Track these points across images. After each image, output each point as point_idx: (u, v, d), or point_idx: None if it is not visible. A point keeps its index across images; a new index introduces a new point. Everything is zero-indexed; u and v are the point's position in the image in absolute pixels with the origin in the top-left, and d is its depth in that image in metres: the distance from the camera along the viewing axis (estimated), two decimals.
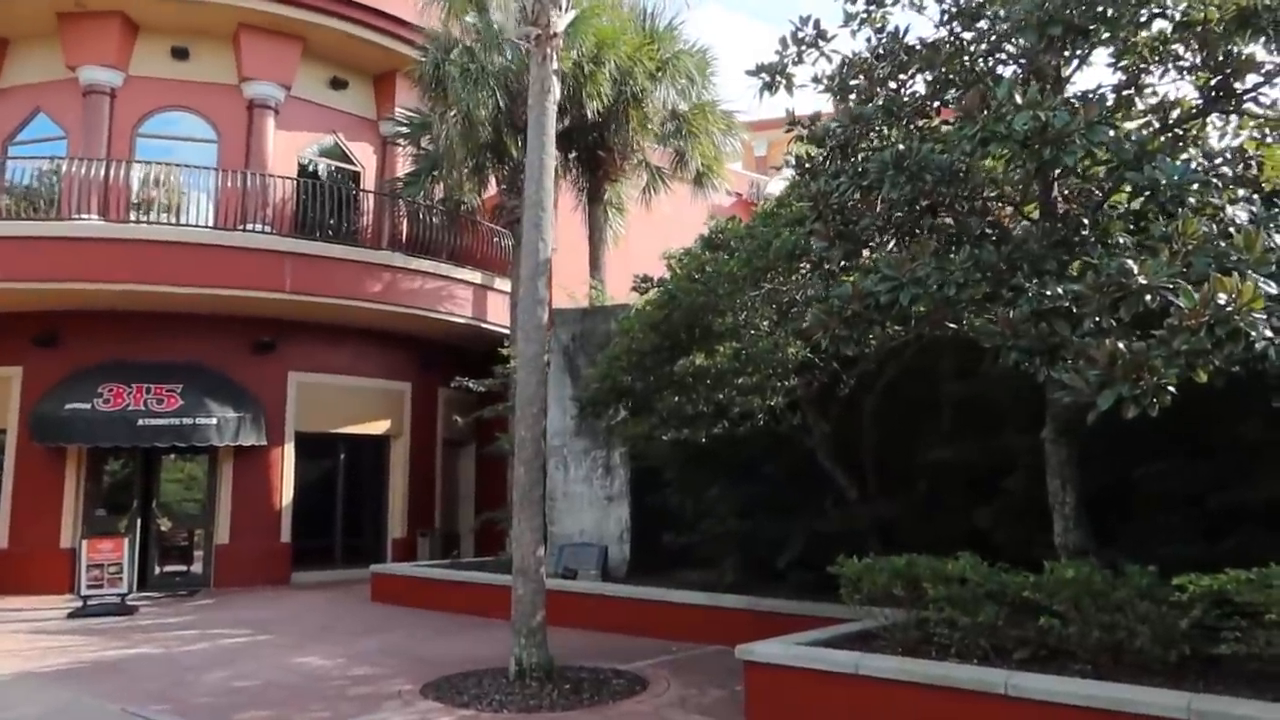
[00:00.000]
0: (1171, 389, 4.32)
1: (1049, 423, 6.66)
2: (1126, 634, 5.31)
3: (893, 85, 6.76)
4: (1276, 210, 5.48)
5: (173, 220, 14.47)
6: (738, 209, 19.39)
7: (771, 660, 6.23)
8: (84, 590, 12.10)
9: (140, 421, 13.68)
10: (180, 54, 15.73)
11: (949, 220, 6.44)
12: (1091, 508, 6.70)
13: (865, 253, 6.78)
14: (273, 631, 10.58)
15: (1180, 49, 6.21)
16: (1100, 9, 5.62)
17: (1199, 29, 5.88)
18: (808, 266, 7.31)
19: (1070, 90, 6.40)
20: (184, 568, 14.88)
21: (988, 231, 6.16)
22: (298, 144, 16.60)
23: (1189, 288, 4.31)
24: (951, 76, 6.47)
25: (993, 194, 6.60)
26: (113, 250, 13.26)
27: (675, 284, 8.31)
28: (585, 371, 11.58)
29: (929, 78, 6.68)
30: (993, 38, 6.48)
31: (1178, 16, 5.94)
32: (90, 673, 8.41)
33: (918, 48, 6.65)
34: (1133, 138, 5.56)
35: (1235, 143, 6.41)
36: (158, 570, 14.64)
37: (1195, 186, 5.27)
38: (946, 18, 6.49)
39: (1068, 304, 5.06)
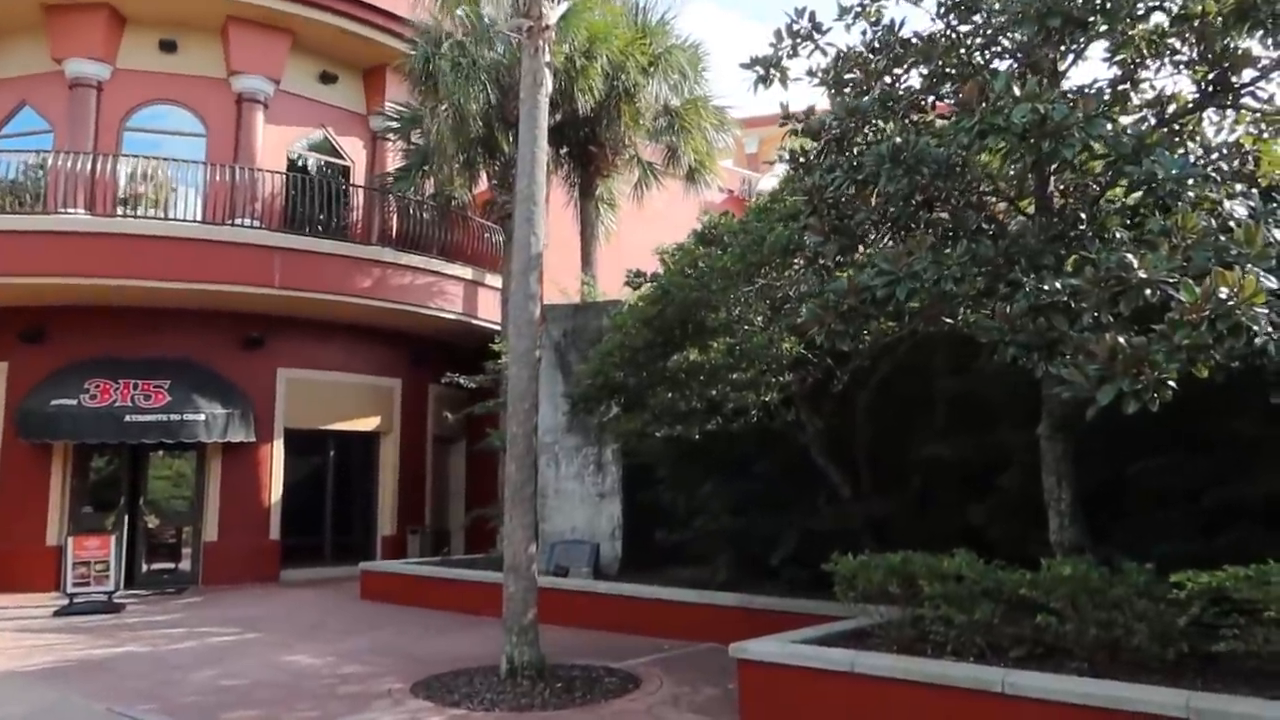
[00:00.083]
0: (1172, 384, 4.27)
1: (1044, 419, 6.62)
2: (1124, 631, 5.27)
3: (888, 80, 6.71)
4: (1275, 205, 5.44)
5: (160, 215, 14.32)
6: (729, 206, 19.32)
7: (765, 658, 6.18)
8: (70, 588, 11.98)
9: (127, 418, 13.54)
10: (168, 47, 15.57)
11: (945, 215, 6.40)
12: (1087, 504, 6.67)
13: (860, 248, 6.72)
14: (261, 629, 10.48)
15: (1177, 43, 6.18)
16: (1099, 0, 5.56)
17: (1196, 22, 5.84)
18: (802, 262, 7.24)
19: (1066, 85, 6.36)
20: (172, 565, 14.73)
21: (984, 226, 6.11)
22: (287, 138, 16.46)
23: (1190, 282, 4.26)
24: (948, 70, 6.41)
25: (988, 189, 6.57)
26: (99, 245, 13.11)
27: (669, 279, 8.24)
28: (577, 368, 11.51)
29: (924, 71, 6.62)
30: (988, 31, 6.43)
31: (1175, 9, 5.89)
32: (76, 671, 8.30)
33: (913, 41, 6.60)
34: (1130, 132, 5.53)
35: (1232, 138, 6.38)
36: (145, 568, 14.50)
37: (1193, 181, 5.23)
38: (943, 10, 6.43)
39: (1066, 299, 5.02)
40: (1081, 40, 6.15)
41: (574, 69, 13.46)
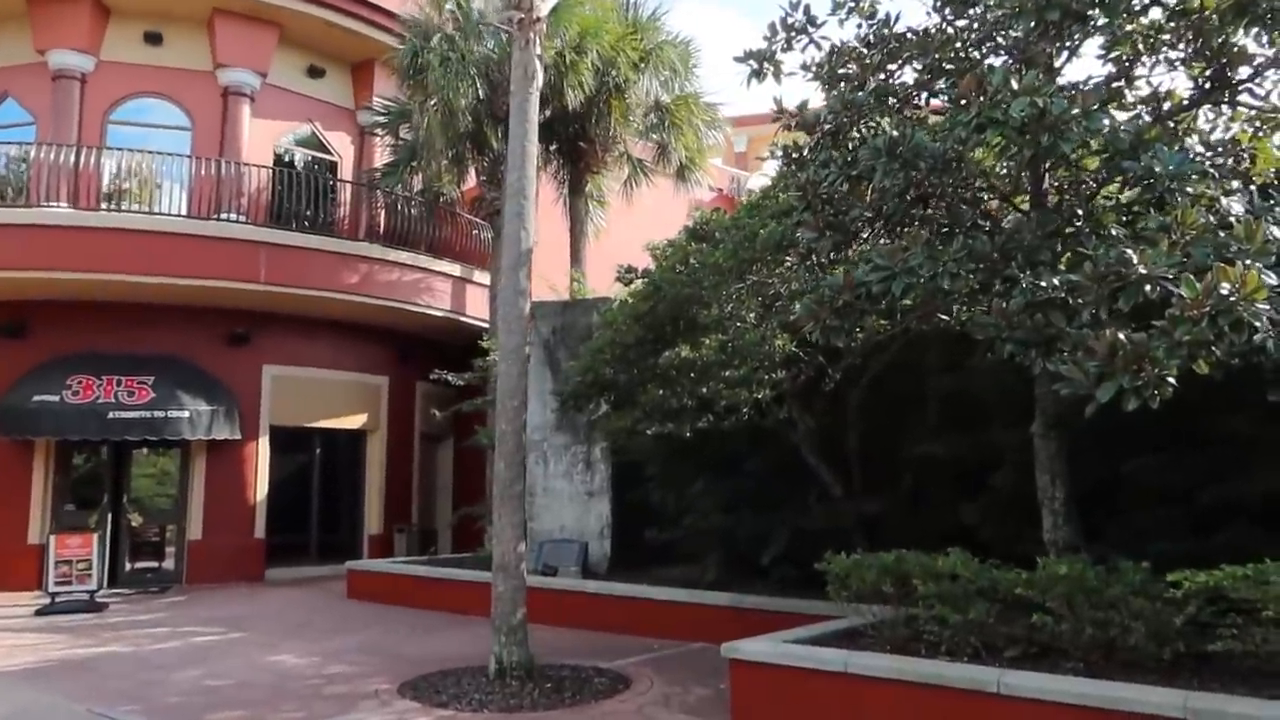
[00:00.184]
0: (1172, 380, 4.22)
1: (1038, 417, 6.58)
2: (1120, 631, 5.22)
3: (881, 76, 6.65)
4: (1274, 201, 5.40)
5: (145, 209, 14.14)
6: (718, 204, 19.26)
7: (758, 658, 6.12)
8: (52, 587, 11.81)
9: (111, 414, 13.36)
10: (153, 39, 15.38)
11: (940, 211, 6.34)
12: (1080, 503, 6.64)
13: (854, 244, 6.66)
14: (246, 629, 10.35)
15: (1173, 39, 6.14)
16: None
17: (1194, 17, 5.80)
18: (795, 258, 7.18)
19: (1060, 81, 6.31)
20: (155, 564, 14.54)
21: (980, 223, 6.06)
22: (274, 133, 16.30)
23: (1191, 277, 4.21)
24: (945, 65, 6.36)
25: (982, 185, 6.52)
26: (83, 239, 12.93)
27: (660, 275, 8.16)
28: (566, 365, 11.42)
29: (918, 66, 6.56)
30: (984, 26, 6.37)
31: (1172, 3, 5.85)
32: (57, 671, 8.16)
33: (908, 36, 6.55)
34: (1127, 127, 5.48)
35: (1227, 136, 6.36)
36: (128, 566, 14.31)
37: (1193, 176, 5.19)
38: (939, 3, 6.37)
39: (1063, 295, 4.97)
40: (1078, 36, 6.11)
41: (564, 64, 13.37)
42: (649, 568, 10.87)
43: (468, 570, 11.66)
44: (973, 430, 7.94)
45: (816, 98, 7.06)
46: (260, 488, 15.06)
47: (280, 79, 16.27)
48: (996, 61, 6.48)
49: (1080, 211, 5.79)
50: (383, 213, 16.42)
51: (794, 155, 7.04)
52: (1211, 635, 5.10)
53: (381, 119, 16.10)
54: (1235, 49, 5.93)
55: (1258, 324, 4.11)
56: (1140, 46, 6.27)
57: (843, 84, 6.65)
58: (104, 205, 13.93)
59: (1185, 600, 5.08)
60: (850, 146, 6.34)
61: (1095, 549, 6.32)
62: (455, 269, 16.31)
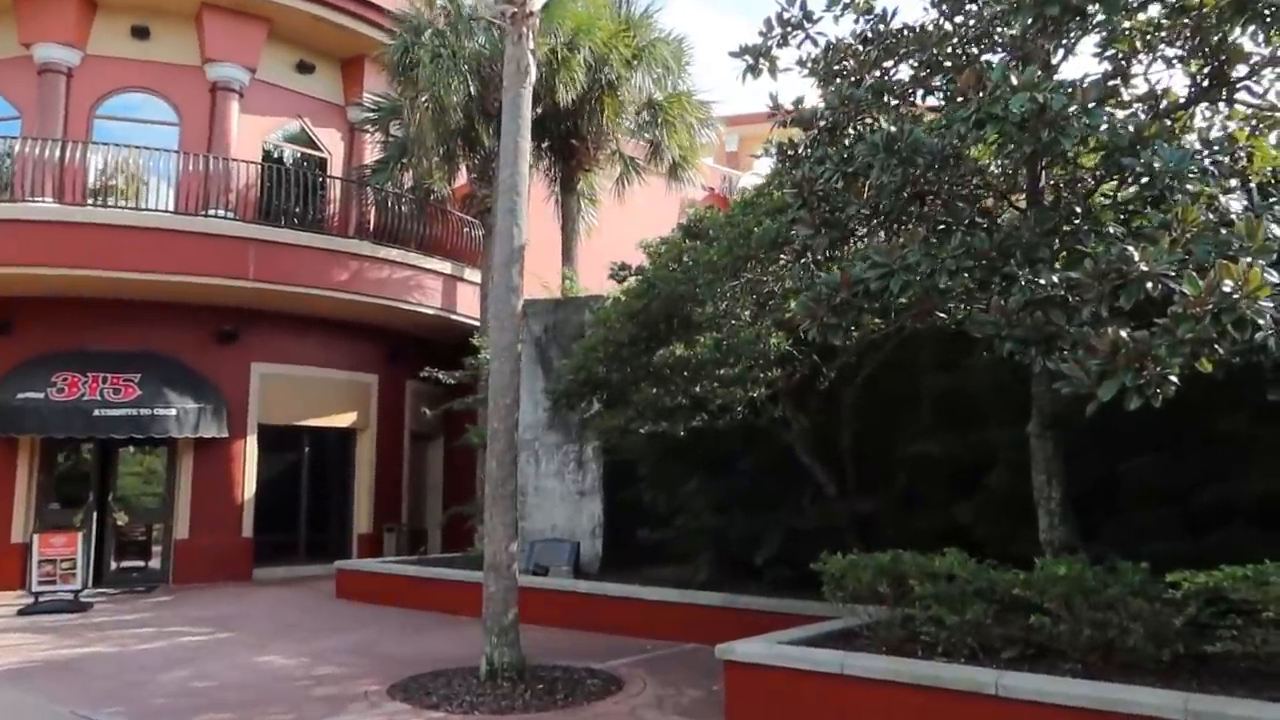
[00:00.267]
0: (1174, 379, 4.18)
1: (1034, 416, 6.54)
2: (1119, 632, 5.18)
3: (876, 73, 6.59)
4: (1274, 199, 5.36)
5: (132, 204, 13.99)
6: (709, 203, 19.21)
7: (752, 660, 6.05)
8: (35, 586, 11.67)
9: (96, 412, 13.22)
10: (140, 33, 15.21)
11: (936, 208, 6.28)
12: (1076, 503, 6.59)
13: (850, 242, 6.60)
14: (233, 629, 10.23)
15: (1170, 37, 6.11)
16: None
17: (1193, 14, 5.77)
18: (790, 255, 7.11)
19: (1057, 79, 6.27)
20: (141, 563, 14.40)
21: (977, 220, 6.01)
22: (262, 129, 16.15)
23: (1194, 275, 4.16)
24: (942, 61, 6.30)
25: (979, 183, 6.47)
26: (68, 234, 12.78)
27: (654, 272, 8.09)
28: (558, 363, 11.35)
29: (915, 63, 6.51)
30: (981, 23, 6.33)
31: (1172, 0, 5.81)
32: (40, 672, 8.03)
33: (905, 32, 6.49)
34: (1126, 124, 5.44)
35: (1223, 134, 6.32)
36: (114, 566, 14.16)
37: (1193, 173, 5.15)
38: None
39: (1063, 293, 4.92)
40: (1076, 32, 6.07)
41: (556, 61, 13.28)
42: (641, 567, 10.81)
43: (458, 570, 11.56)
44: (968, 429, 7.90)
45: (811, 96, 7.00)
46: (248, 486, 14.93)
47: (269, 74, 16.13)
48: (994, 59, 6.45)
49: (1078, 209, 5.74)
50: (373, 210, 16.30)
51: (789, 152, 6.99)
52: (1210, 636, 5.06)
53: (372, 115, 15.99)
54: (1233, 47, 5.91)
55: (1260, 322, 4.07)
56: (1138, 44, 6.24)
57: (839, 80, 6.60)
58: (90, 201, 13.78)
59: (1185, 601, 5.03)
60: (847, 143, 6.27)
61: (1091, 549, 6.28)
62: (446, 267, 16.21)
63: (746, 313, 7.64)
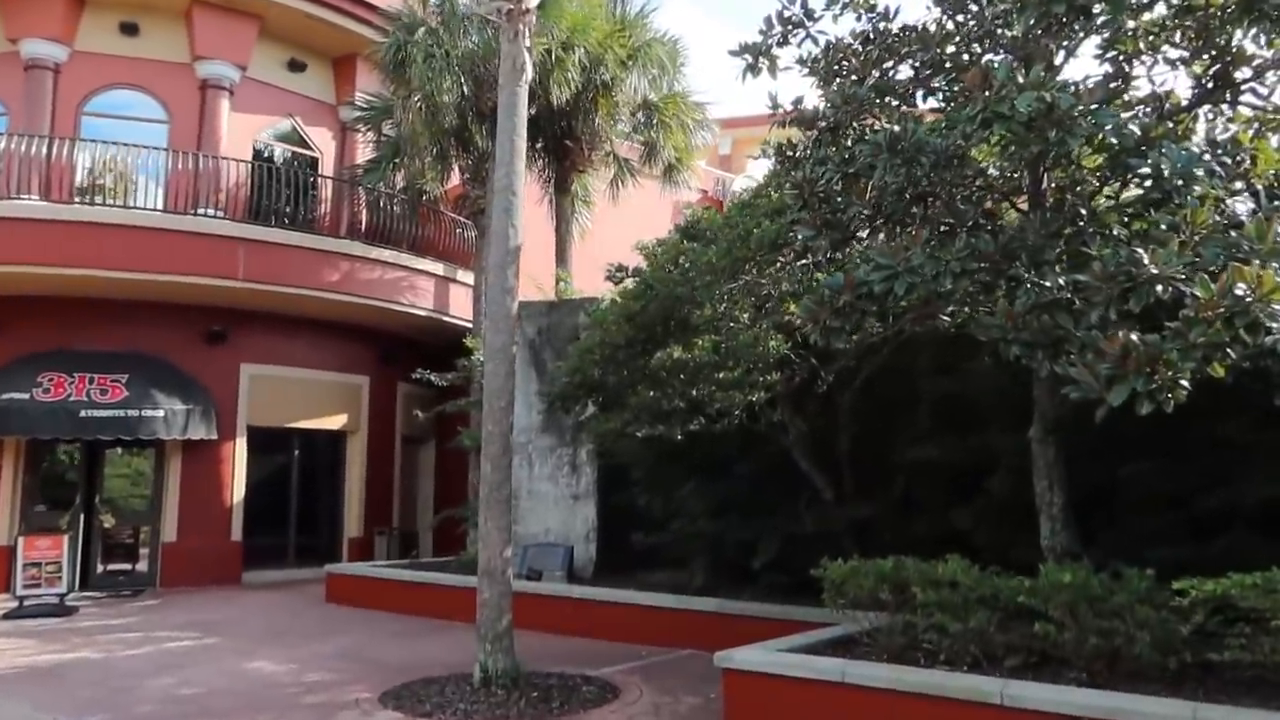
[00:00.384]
0: (1185, 383, 4.10)
1: (1036, 421, 6.46)
2: (1124, 640, 5.09)
3: (876, 73, 6.52)
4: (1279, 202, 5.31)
5: (120, 203, 13.81)
6: (704, 205, 19.12)
7: (751, 667, 5.96)
8: (20, 590, 11.47)
9: (83, 413, 13.04)
10: (129, 29, 15.05)
11: (937, 209, 6.21)
12: (1075, 509, 6.52)
13: (852, 243, 6.52)
14: (221, 634, 10.08)
15: (1176, 36, 6.05)
16: None
17: (1199, 14, 5.71)
18: (790, 256, 7.03)
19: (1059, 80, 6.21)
20: (128, 566, 14.20)
21: (982, 221, 5.93)
22: (253, 127, 16.00)
23: (1205, 277, 4.09)
24: (944, 60, 6.23)
25: (981, 184, 6.40)
26: (55, 232, 12.61)
27: (652, 274, 7.99)
28: (552, 366, 11.24)
29: (917, 63, 6.44)
30: (979, 23, 6.26)
31: (1177, 0, 5.75)
32: (23, 678, 7.88)
33: (907, 31, 6.42)
34: (1133, 125, 5.38)
35: (1225, 136, 6.28)
36: (100, 569, 13.96)
37: (1199, 174, 5.08)
38: None
39: (1069, 295, 4.85)
40: (1080, 32, 6.01)
41: (550, 61, 13.17)
42: (635, 572, 10.71)
43: (451, 574, 11.45)
44: (967, 434, 7.82)
45: (810, 96, 6.93)
46: (237, 489, 14.77)
47: (260, 72, 15.99)
48: (996, 59, 6.38)
49: (1083, 211, 5.67)
50: (365, 210, 16.17)
51: (788, 153, 6.91)
52: (1217, 644, 4.99)
53: (364, 114, 15.85)
54: (1237, 49, 5.86)
55: (1273, 325, 4.01)
56: (1141, 45, 6.19)
57: (840, 79, 6.52)
58: (77, 199, 13.61)
59: (1192, 609, 4.96)
60: (848, 143, 6.19)
61: (1092, 555, 6.21)
62: (438, 268, 16.08)
63: (745, 315, 7.55)
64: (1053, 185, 6.25)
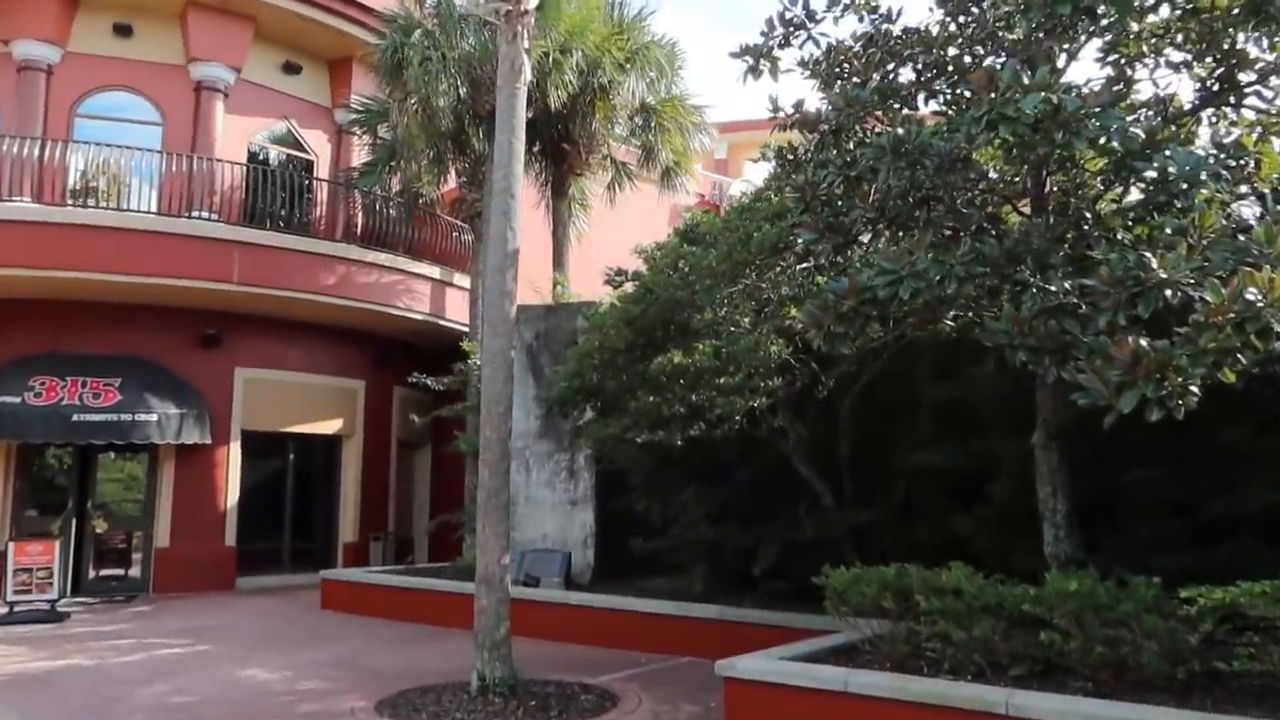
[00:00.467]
0: (1195, 390, 4.04)
1: (1039, 427, 6.41)
2: (1131, 649, 5.03)
3: (878, 75, 6.47)
4: None
5: (113, 205, 13.71)
6: (701, 209, 19.06)
7: (753, 676, 5.88)
8: (10, 596, 11.34)
9: (75, 417, 12.93)
10: (123, 31, 14.95)
11: (939, 212, 6.15)
12: (1078, 515, 6.46)
13: (854, 247, 6.46)
14: (215, 641, 9.98)
15: (1180, 39, 6.01)
16: None
17: (1205, 16, 5.66)
18: (791, 260, 6.97)
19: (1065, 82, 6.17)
20: (121, 572, 14.08)
21: (986, 225, 5.88)
22: (248, 130, 15.91)
23: (1216, 282, 4.04)
24: (946, 63, 6.18)
25: (984, 188, 6.35)
26: (47, 235, 12.50)
27: (651, 278, 7.91)
28: (549, 370, 11.17)
29: (919, 66, 6.38)
30: (979, 27, 6.21)
31: (1183, 0, 5.71)
32: (11, 687, 7.76)
33: (909, 34, 6.37)
34: (1138, 128, 5.32)
35: (1229, 139, 6.24)
36: (93, 574, 13.84)
37: (1205, 177, 5.03)
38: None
39: (1076, 300, 4.79)
40: (1085, 34, 5.96)
41: (548, 64, 13.10)
42: (633, 578, 10.63)
43: (447, 580, 11.35)
44: (968, 439, 7.76)
45: (811, 99, 6.87)
46: (231, 494, 14.65)
47: (255, 75, 15.90)
48: (999, 61, 6.33)
49: (1088, 215, 5.62)
50: (360, 213, 16.07)
51: (788, 156, 6.85)
52: (1224, 653, 4.93)
53: (360, 117, 15.74)
54: (1241, 52, 5.82)
55: None
56: (1144, 48, 6.15)
57: (841, 82, 6.46)
58: (70, 201, 13.48)
59: (1199, 618, 4.90)
60: (851, 146, 6.13)
61: (1096, 562, 6.15)
62: (435, 271, 16.00)
63: (746, 319, 7.48)
64: (1055, 189, 6.22)
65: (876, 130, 6.26)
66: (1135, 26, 5.96)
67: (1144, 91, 6.23)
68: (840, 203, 6.14)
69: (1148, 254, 4.39)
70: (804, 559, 8.23)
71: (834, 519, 8.56)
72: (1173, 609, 5.03)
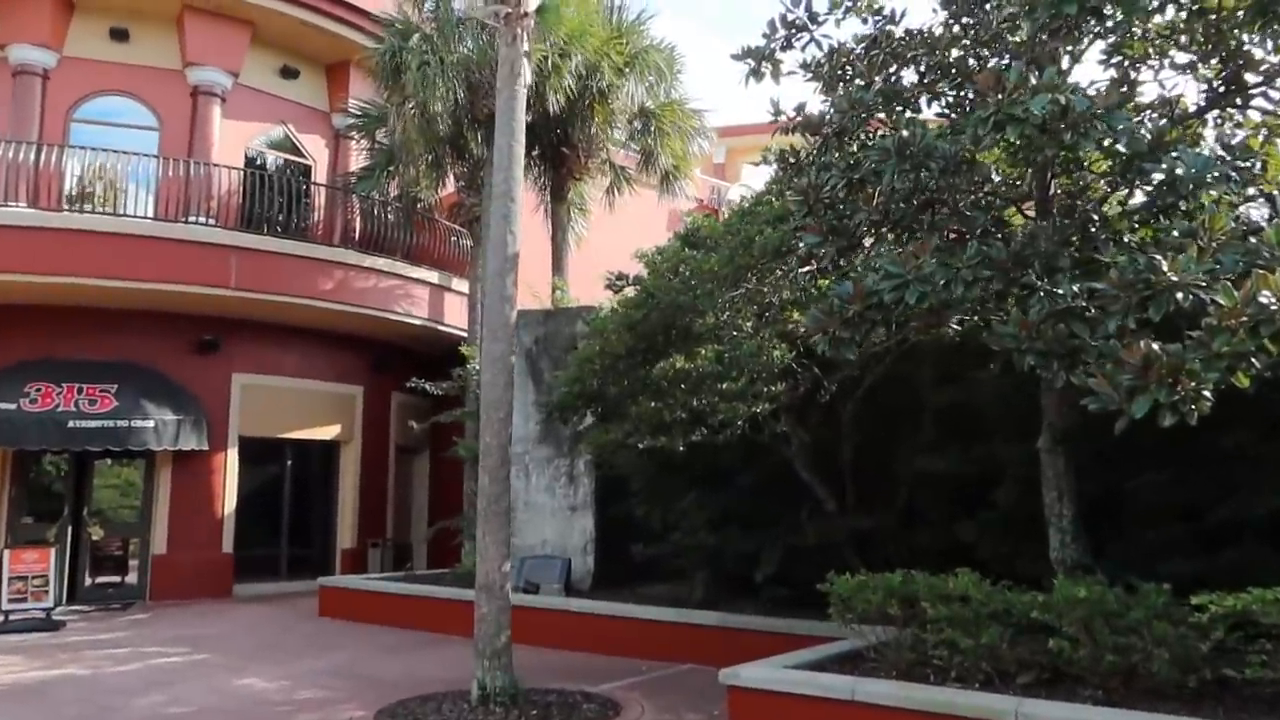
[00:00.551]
0: (1208, 394, 3.98)
1: (1045, 431, 6.35)
2: (1142, 657, 4.96)
3: (878, 79, 6.41)
4: None
5: (110, 210, 13.62)
6: (699, 213, 19.00)
7: (757, 685, 5.82)
8: (5, 604, 11.23)
9: (71, 423, 12.83)
10: (120, 35, 14.89)
11: (943, 215, 6.10)
12: (1083, 521, 6.40)
13: (858, 251, 6.40)
14: (212, 650, 9.88)
15: (1187, 40, 5.96)
16: None
17: (1212, 16, 5.61)
18: (794, 263, 6.90)
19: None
20: (118, 579, 13.98)
21: (991, 229, 5.82)
22: (245, 134, 15.84)
23: (1229, 285, 3.98)
24: (950, 65, 6.13)
25: (989, 190, 6.30)
26: (43, 240, 12.42)
27: (652, 282, 7.85)
28: (549, 376, 11.10)
29: (922, 68, 6.33)
30: (983, 28, 6.16)
31: (1189, 3, 5.66)
32: (5, 697, 7.66)
33: (913, 35, 6.32)
34: (1146, 129, 5.28)
35: (1234, 142, 6.19)
36: (89, 581, 13.73)
37: (1213, 178, 4.98)
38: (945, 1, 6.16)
39: (1084, 303, 4.73)
40: (1089, 36, 5.92)
41: (547, 68, 13.05)
42: (633, 584, 10.56)
43: (446, 587, 11.27)
44: (971, 444, 7.71)
45: (813, 101, 6.82)
46: (228, 500, 14.55)
47: (252, 79, 15.83)
48: (1003, 63, 6.28)
49: (1095, 217, 5.57)
50: (358, 218, 15.99)
51: (790, 159, 6.79)
52: (1235, 661, 4.87)
53: (357, 122, 15.69)
54: (1247, 53, 5.77)
55: None
56: (1149, 50, 6.10)
57: (844, 84, 6.41)
58: (66, 206, 13.39)
59: (1211, 625, 4.83)
60: (855, 148, 6.08)
61: (1102, 568, 6.09)
62: (433, 276, 15.93)
63: (748, 324, 7.42)
64: (1059, 192, 6.16)
65: (880, 133, 6.22)
66: (1139, 30, 5.92)
67: (1148, 94, 6.19)
68: (843, 206, 6.08)
69: (1157, 257, 4.33)
70: (806, 565, 8.16)
71: (836, 525, 8.49)
72: (1183, 616, 4.97)
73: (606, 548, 11.10)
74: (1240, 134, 6.19)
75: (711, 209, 21.30)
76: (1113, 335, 4.39)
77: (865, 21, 6.33)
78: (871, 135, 6.29)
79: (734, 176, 27.36)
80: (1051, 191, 6.12)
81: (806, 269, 6.81)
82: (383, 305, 15.02)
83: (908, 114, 6.32)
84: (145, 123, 14.97)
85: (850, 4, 6.52)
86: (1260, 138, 6.08)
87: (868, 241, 6.48)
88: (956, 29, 6.25)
